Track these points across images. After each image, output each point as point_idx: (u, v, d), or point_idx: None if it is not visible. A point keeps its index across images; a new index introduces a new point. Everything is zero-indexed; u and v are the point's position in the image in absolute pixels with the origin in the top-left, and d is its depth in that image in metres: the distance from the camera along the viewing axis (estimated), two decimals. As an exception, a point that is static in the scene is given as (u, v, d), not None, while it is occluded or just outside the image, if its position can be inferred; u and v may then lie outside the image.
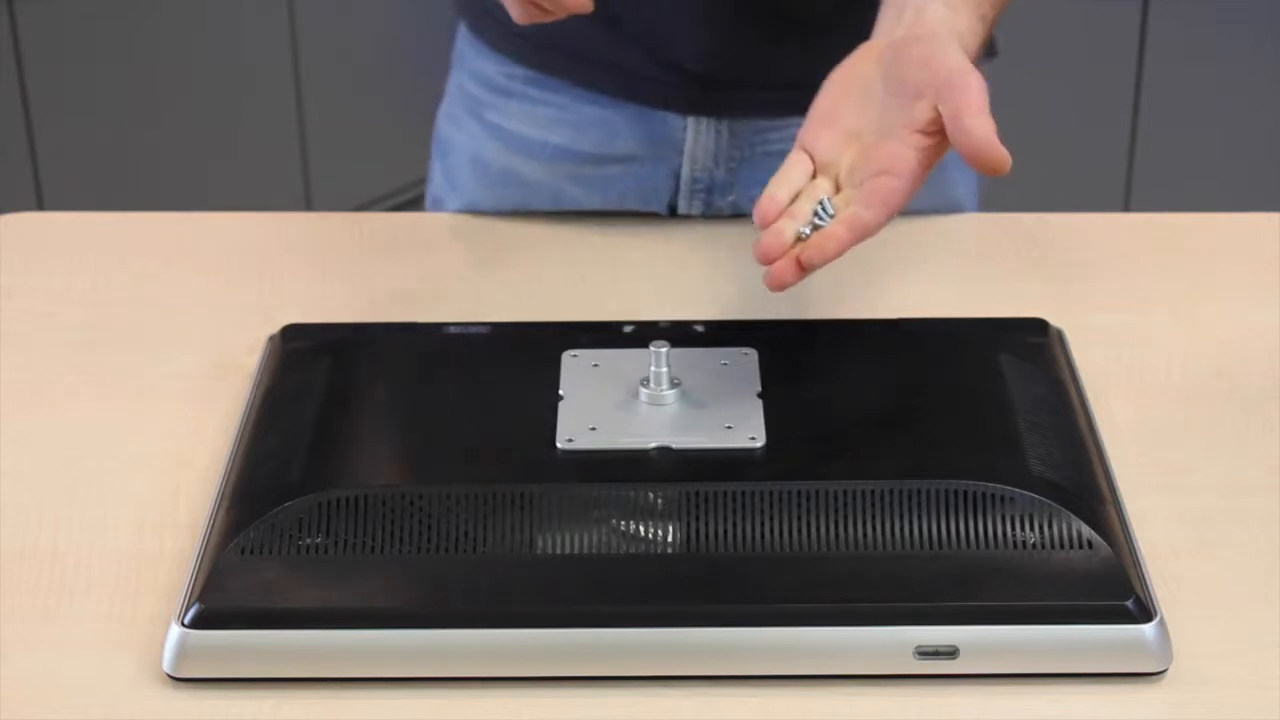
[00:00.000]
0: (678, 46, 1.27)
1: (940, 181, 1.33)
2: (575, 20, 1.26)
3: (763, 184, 1.29)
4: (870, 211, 0.99)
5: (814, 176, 1.04)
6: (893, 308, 1.19)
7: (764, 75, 1.27)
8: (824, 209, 1.01)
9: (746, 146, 1.30)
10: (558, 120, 1.32)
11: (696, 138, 1.30)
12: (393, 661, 0.90)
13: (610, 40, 1.23)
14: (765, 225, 1.01)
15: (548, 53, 1.31)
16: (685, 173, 1.31)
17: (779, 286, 0.99)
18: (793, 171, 1.03)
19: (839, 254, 0.99)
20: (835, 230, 0.99)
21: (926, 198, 1.32)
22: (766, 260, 1.00)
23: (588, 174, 1.32)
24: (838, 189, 1.03)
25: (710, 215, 1.33)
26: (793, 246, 1.00)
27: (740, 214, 1.32)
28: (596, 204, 1.33)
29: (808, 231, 1.01)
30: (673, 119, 1.30)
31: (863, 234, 0.99)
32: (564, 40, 1.28)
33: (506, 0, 1.06)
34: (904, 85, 1.02)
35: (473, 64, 1.36)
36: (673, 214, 1.34)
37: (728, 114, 1.29)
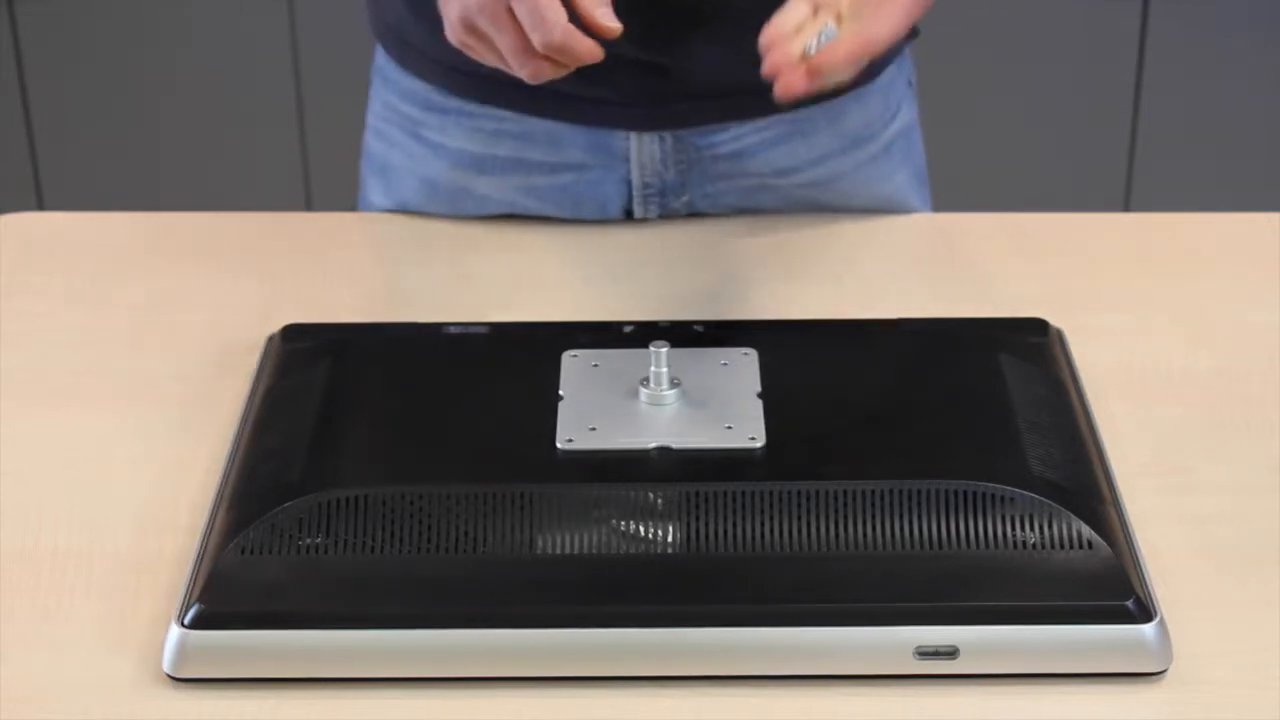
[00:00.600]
0: (615, 70, 1.26)
1: (884, 180, 1.34)
2: None
3: (714, 183, 1.30)
4: (877, 24, 1.02)
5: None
6: (891, 308, 1.19)
7: (703, 86, 1.27)
8: (829, 31, 1.02)
9: (692, 150, 1.30)
10: (501, 133, 1.30)
11: (640, 147, 1.30)
12: (393, 661, 0.90)
13: None
14: (771, 46, 1.02)
15: (483, 83, 1.29)
16: (635, 179, 1.31)
17: (789, 96, 1.00)
18: (795, 9, 1.04)
19: (848, 62, 1.00)
20: (844, 39, 1.01)
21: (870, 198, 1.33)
22: (775, 71, 1.01)
23: (540, 184, 1.31)
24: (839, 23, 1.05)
25: (666, 217, 1.33)
26: (801, 63, 1.01)
27: (696, 213, 1.32)
28: (550, 213, 1.32)
29: (814, 48, 1.01)
30: (616, 132, 1.30)
31: (871, 46, 1.01)
32: (498, 71, 1.28)
33: (514, 61, 1.05)
34: None
35: (401, 83, 1.34)
36: (629, 218, 1.33)
37: (670, 128, 1.29)
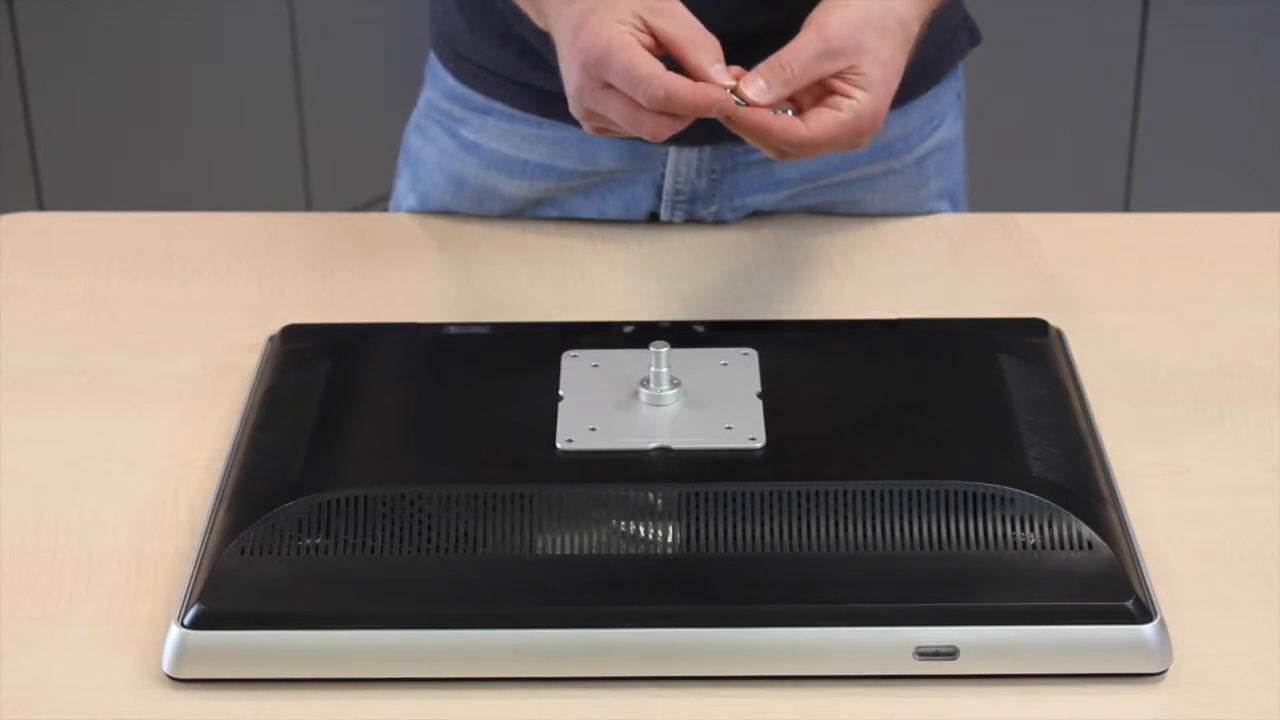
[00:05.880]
0: None
1: (919, 186, 1.33)
2: (545, 61, 1.25)
3: (744, 196, 1.30)
4: (809, 126, 1.02)
5: None
6: (891, 308, 1.19)
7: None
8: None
9: (729, 158, 1.29)
10: (536, 138, 1.30)
11: (679, 154, 1.29)
12: (393, 662, 0.90)
13: None
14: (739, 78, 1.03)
15: (523, 92, 1.29)
16: (668, 184, 1.30)
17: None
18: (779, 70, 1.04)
19: (753, 128, 1.02)
20: (761, 114, 1.01)
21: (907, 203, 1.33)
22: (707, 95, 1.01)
23: (571, 188, 1.31)
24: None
25: (692, 222, 1.33)
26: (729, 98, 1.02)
27: (723, 222, 1.32)
28: (575, 214, 1.32)
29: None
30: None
31: (796, 144, 1.02)
32: (541, 81, 1.28)
33: (631, 128, 1.02)
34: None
35: (444, 81, 1.34)
36: (654, 220, 1.33)
37: (710, 142, 1.29)
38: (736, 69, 1.02)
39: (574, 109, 1.04)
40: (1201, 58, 2.68)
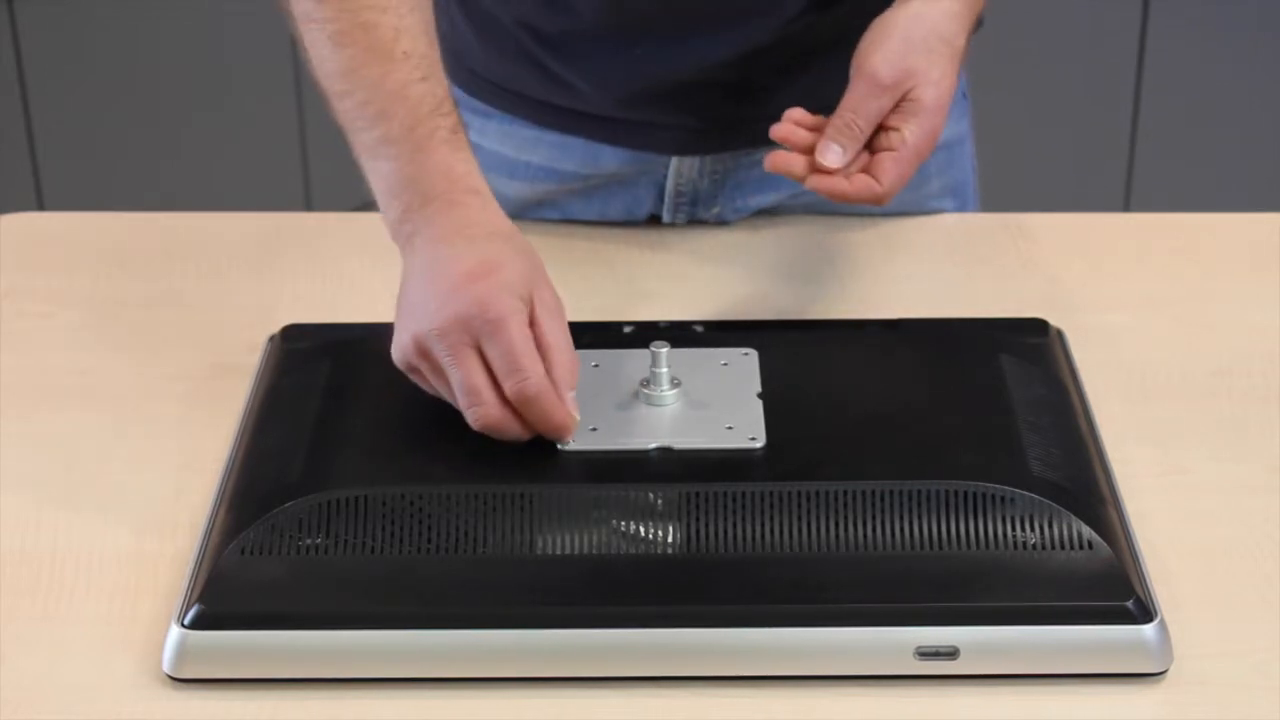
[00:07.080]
0: (664, 102, 1.26)
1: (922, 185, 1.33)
2: (559, 78, 1.25)
3: (745, 197, 1.30)
4: (885, 175, 1.08)
5: None
6: (892, 308, 1.19)
7: (751, 117, 1.26)
8: None
9: (730, 159, 1.29)
10: (538, 140, 1.30)
11: (681, 160, 1.29)
12: (392, 662, 0.90)
13: (597, 96, 1.22)
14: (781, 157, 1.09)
15: (528, 104, 1.29)
16: (670, 185, 1.30)
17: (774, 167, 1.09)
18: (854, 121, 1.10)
19: (840, 199, 1.08)
20: (839, 183, 1.08)
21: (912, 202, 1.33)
22: (786, 152, 1.09)
23: (571, 190, 1.31)
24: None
25: (693, 223, 1.33)
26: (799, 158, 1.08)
27: (724, 223, 1.32)
28: (576, 216, 1.32)
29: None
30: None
31: (879, 200, 1.08)
32: (545, 94, 1.28)
33: (465, 401, 0.98)
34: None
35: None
36: (654, 222, 1.33)
37: (714, 150, 1.29)
38: (575, 407, 0.99)
39: (408, 343, 1.00)
40: (1201, 58, 2.68)
